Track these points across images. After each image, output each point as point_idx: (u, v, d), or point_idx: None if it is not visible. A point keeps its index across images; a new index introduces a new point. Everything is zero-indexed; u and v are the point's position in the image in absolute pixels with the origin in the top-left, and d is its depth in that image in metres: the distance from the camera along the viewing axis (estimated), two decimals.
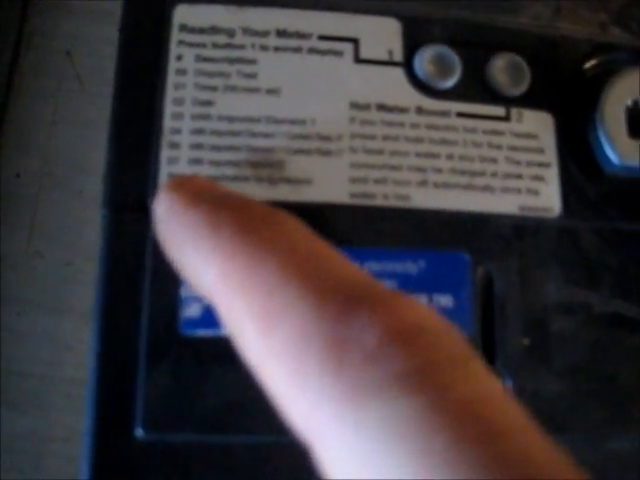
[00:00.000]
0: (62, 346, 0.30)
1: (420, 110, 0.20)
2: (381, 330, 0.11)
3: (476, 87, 0.21)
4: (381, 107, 0.20)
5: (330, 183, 0.20)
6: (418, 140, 0.20)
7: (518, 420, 0.11)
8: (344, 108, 0.20)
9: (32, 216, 0.31)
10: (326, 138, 0.20)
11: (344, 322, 0.12)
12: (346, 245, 0.19)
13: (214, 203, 0.15)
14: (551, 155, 0.21)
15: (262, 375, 0.13)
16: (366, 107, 0.20)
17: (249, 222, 0.14)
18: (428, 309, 0.12)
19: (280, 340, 0.12)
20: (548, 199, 0.21)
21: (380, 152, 0.20)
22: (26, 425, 0.30)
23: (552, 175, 0.21)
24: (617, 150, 0.21)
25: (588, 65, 0.22)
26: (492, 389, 0.11)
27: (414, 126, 0.20)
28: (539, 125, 0.21)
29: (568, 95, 0.21)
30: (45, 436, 0.30)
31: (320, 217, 0.19)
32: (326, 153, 0.20)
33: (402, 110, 0.20)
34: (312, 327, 0.12)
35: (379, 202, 0.20)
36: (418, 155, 0.20)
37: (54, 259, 0.31)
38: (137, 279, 0.19)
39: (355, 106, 0.20)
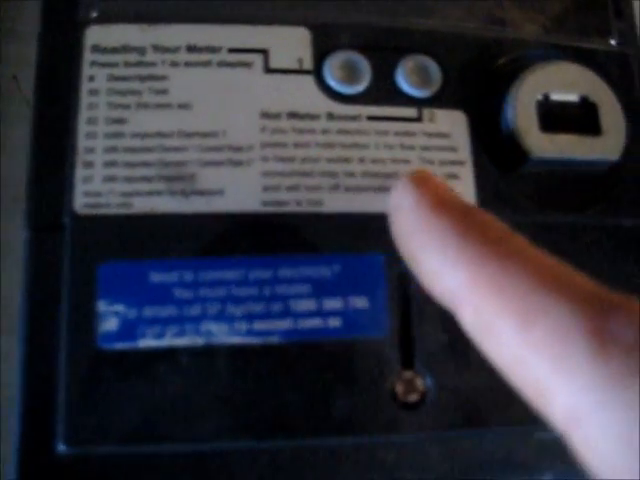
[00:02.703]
0: None
1: (331, 116, 0.21)
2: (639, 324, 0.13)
3: (387, 90, 0.21)
4: (292, 115, 0.21)
5: (242, 193, 0.20)
6: (329, 145, 0.21)
7: None
8: (255, 118, 0.20)
9: None
10: (237, 149, 0.20)
11: (603, 318, 0.13)
12: (260, 253, 0.20)
13: (460, 212, 0.16)
14: (465, 153, 0.21)
15: (518, 369, 0.14)
16: (277, 116, 0.21)
17: (493, 234, 0.15)
18: None
19: (542, 333, 0.13)
20: (463, 197, 0.21)
21: (291, 159, 0.20)
22: None
23: (466, 173, 0.21)
24: (529, 144, 0.21)
25: (500, 62, 0.22)
26: None
27: (325, 132, 0.21)
28: (452, 124, 0.21)
29: (480, 93, 0.22)
30: None
31: (233, 227, 0.20)
32: (237, 163, 0.20)
33: (313, 117, 0.21)
34: (573, 321, 0.13)
35: (292, 209, 0.20)
36: (329, 160, 0.20)
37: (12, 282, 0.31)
38: (55, 297, 0.19)
39: (266, 115, 0.21)
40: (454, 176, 0.21)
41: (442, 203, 0.16)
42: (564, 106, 0.21)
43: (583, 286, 0.14)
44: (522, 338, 0.14)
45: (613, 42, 0.23)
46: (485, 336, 0.15)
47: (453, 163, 0.21)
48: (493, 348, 0.15)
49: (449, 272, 0.15)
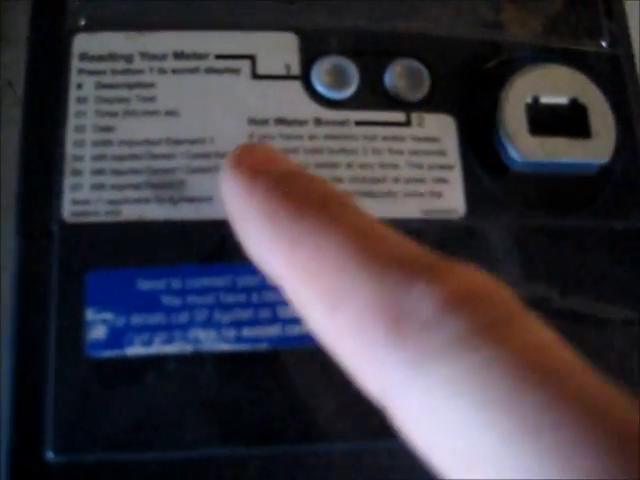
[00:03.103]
0: None
1: (318, 121, 0.21)
2: (437, 298, 0.12)
3: (375, 95, 0.21)
4: (279, 121, 0.21)
5: None
6: (317, 151, 0.20)
7: (571, 363, 0.12)
8: (242, 124, 0.20)
9: None
10: (225, 155, 0.20)
11: (402, 294, 0.13)
12: (248, 259, 0.20)
13: (270, 187, 0.15)
14: (454, 157, 0.21)
15: (335, 353, 0.14)
16: (264, 122, 0.21)
17: (304, 207, 0.15)
18: (480, 273, 0.13)
19: (345, 319, 0.13)
20: (452, 201, 0.21)
21: None
22: None
23: (455, 177, 0.21)
24: (519, 148, 0.21)
25: (489, 65, 0.22)
26: (545, 338, 0.12)
27: (312, 138, 0.21)
28: (441, 128, 0.21)
29: (469, 96, 0.22)
30: None
31: (221, 233, 0.20)
32: None
33: (300, 123, 0.21)
34: (373, 303, 0.13)
35: None
36: (317, 166, 0.20)
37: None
38: (44, 304, 0.19)
39: (253, 122, 0.21)
40: (443, 180, 0.21)
41: (252, 180, 0.15)
42: (554, 109, 0.21)
43: (392, 252, 0.14)
44: (330, 325, 0.14)
45: (604, 43, 0.23)
46: (305, 320, 0.15)
47: (442, 167, 0.21)
48: (313, 332, 0.15)
49: (266, 255, 0.15)
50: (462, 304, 0.12)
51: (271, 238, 0.15)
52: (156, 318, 0.19)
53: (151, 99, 0.20)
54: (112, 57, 0.21)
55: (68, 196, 0.20)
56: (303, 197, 0.15)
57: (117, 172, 0.20)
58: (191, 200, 0.20)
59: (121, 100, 0.20)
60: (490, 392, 0.11)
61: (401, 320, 0.12)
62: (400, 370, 0.12)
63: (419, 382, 0.12)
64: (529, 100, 0.21)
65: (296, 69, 0.21)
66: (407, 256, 0.14)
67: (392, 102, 0.21)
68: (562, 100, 0.21)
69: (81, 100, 0.20)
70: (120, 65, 0.21)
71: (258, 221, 0.15)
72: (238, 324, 0.19)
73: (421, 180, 0.21)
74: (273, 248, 0.15)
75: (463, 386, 0.12)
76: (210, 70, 0.21)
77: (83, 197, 0.20)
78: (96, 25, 0.21)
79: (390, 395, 0.13)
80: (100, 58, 0.21)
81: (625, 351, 0.20)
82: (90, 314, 0.19)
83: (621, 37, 0.23)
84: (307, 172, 0.17)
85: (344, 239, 0.14)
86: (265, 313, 0.19)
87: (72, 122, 0.20)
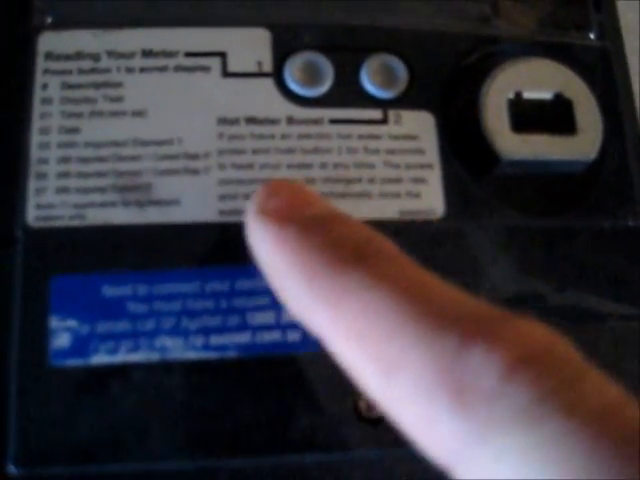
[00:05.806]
0: None
1: (291, 120, 0.20)
2: (497, 365, 0.12)
3: (351, 92, 0.20)
4: (250, 120, 0.20)
5: (198, 202, 0.19)
6: (289, 151, 0.20)
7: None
8: (212, 124, 0.20)
9: None
10: (193, 157, 0.19)
11: (461, 362, 0.12)
12: (216, 264, 0.19)
13: (301, 237, 0.14)
14: (432, 156, 0.20)
15: (389, 415, 0.13)
16: (235, 121, 0.20)
17: (341, 260, 0.14)
18: (538, 327, 0.13)
19: (403, 386, 0.13)
20: (430, 201, 0.20)
21: (250, 166, 0.20)
22: None
23: (434, 176, 0.20)
24: (500, 145, 0.20)
25: (469, 60, 0.21)
26: (613, 397, 0.12)
27: (285, 137, 0.20)
28: (419, 125, 0.20)
29: (449, 92, 0.21)
30: None
31: (189, 237, 0.19)
32: (194, 172, 0.19)
33: (272, 122, 0.20)
34: (431, 371, 0.12)
35: None
36: (290, 167, 0.20)
37: None
38: (7, 311, 0.19)
39: (223, 121, 0.20)
40: (422, 180, 0.20)
41: (282, 228, 0.14)
42: (537, 104, 0.20)
43: (447, 309, 0.13)
44: (385, 391, 0.13)
45: (592, 35, 0.22)
46: (355, 378, 0.14)
47: (421, 167, 0.20)
48: (364, 389, 0.14)
49: (307, 312, 0.14)
50: (524, 369, 0.12)
51: (309, 295, 0.14)
52: (122, 325, 0.18)
53: (118, 99, 0.20)
54: (78, 56, 0.20)
55: (32, 200, 0.19)
56: (338, 247, 0.14)
57: (82, 175, 0.19)
58: (158, 203, 0.19)
59: (87, 100, 0.20)
60: (563, 465, 0.11)
61: (462, 390, 0.12)
62: (464, 441, 0.12)
63: (484, 454, 0.12)
64: (511, 95, 0.20)
65: (268, 66, 0.20)
66: (460, 312, 0.13)
67: (368, 99, 0.20)
68: (546, 95, 0.20)
69: (46, 101, 0.20)
70: (87, 64, 0.20)
71: (292, 276, 0.14)
72: (206, 331, 0.18)
73: (398, 180, 0.20)
74: (312, 306, 0.14)
75: (532, 458, 0.11)
76: (179, 68, 0.20)
77: (48, 201, 0.19)
78: (62, 23, 0.20)
79: (454, 465, 0.12)
80: (66, 57, 0.20)
81: (620, 347, 0.20)
82: (54, 322, 0.18)
83: (610, 29, 0.22)
84: (338, 212, 0.16)
85: (390, 296, 0.13)
86: (234, 320, 0.19)
87: (37, 124, 0.20)
